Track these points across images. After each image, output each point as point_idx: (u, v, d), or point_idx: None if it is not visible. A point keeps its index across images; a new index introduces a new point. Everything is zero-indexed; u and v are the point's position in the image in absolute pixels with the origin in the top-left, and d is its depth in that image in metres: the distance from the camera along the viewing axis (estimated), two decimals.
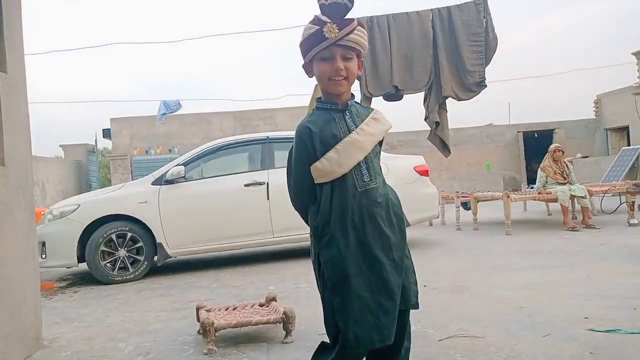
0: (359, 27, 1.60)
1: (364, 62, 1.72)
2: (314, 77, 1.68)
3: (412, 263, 1.70)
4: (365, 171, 1.60)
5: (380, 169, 1.70)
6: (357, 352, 1.54)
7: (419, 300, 1.68)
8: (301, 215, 1.77)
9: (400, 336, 1.64)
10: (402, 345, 1.67)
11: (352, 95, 1.70)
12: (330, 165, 1.59)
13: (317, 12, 1.59)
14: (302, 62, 1.69)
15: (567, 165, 7.25)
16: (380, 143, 1.72)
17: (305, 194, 1.70)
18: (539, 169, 7.30)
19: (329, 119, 1.64)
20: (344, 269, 1.55)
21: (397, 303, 1.57)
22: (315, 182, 1.63)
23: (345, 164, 1.58)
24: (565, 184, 6.94)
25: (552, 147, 7.33)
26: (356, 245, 1.57)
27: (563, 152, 7.27)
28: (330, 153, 1.59)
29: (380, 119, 1.70)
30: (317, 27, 1.57)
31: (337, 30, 1.55)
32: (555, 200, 6.89)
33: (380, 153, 1.72)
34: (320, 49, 1.59)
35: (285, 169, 1.79)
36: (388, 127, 1.71)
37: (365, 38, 1.63)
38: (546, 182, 7.09)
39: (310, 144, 1.64)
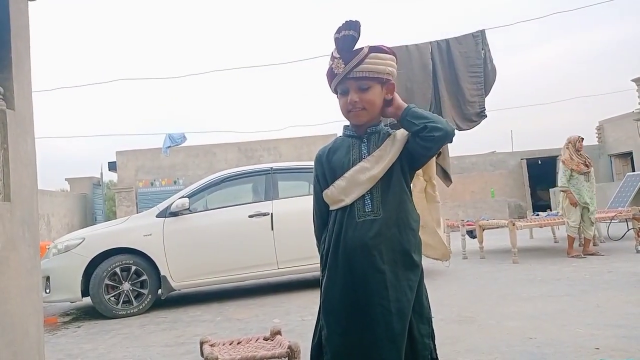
0: (372, 54, 1.56)
1: (395, 85, 1.68)
2: None
3: (427, 313, 1.55)
4: (369, 202, 1.54)
5: (405, 194, 1.58)
6: None
7: (434, 354, 1.57)
8: (317, 245, 1.74)
9: None
10: None
11: (378, 123, 1.66)
12: (339, 194, 1.58)
13: (328, 46, 1.64)
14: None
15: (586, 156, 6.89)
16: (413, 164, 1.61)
17: (318, 221, 1.70)
18: (561, 163, 6.86)
19: (344, 145, 1.65)
20: (331, 307, 1.55)
21: (389, 352, 1.45)
22: (330, 209, 1.63)
23: (351, 193, 1.55)
24: (589, 172, 6.65)
25: (573, 137, 6.88)
26: (345, 279, 1.52)
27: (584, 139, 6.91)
28: (338, 181, 1.58)
29: (399, 134, 1.62)
30: (331, 63, 1.60)
31: (343, 65, 1.56)
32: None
33: (407, 175, 1.60)
34: (335, 84, 1.62)
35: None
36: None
37: (385, 62, 1.59)
38: (571, 175, 6.64)
39: (320, 169, 1.66)
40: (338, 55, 1.57)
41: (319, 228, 1.70)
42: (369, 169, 1.55)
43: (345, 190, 1.56)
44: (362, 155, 1.59)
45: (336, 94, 1.66)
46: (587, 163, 6.78)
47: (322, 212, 1.67)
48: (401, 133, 1.63)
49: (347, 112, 1.61)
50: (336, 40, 1.57)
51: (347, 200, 1.56)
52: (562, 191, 6.81)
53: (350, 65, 1.55)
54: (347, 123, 1.70)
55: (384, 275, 1.49)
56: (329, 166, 1.63)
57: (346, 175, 1.57)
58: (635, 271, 5.11)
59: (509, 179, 17.83)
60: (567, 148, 6.84)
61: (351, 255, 1.52)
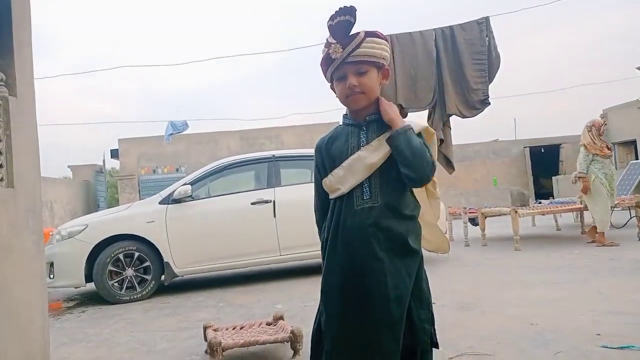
0: (368, 39, 1.55)
1: (389, 70, 1.66)
2: None
3: (426, 298, 1.56)
4: (367, 189, 1.54)
5: (404, 183, 1.56)
6: None
7: (434, 338, 1.58)
8: (318, 233, 1.74)
9: None
10: None
11: (376, 111, 1.63)
12: (336, 182, 1.58)
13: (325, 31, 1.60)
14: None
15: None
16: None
17: (319, 209, 1.71)
18: (581, 147, 6.48)
19: (343, 133, 1.64)
20: (331, 294, 1.55)
21: (387, 337, 1.46)
22: (330, 197, 1.63)
23: (348, 182, 1.55)
24: (611, 156, 6.45)
25: (596, 120, 6.56)
26: (344, 266, 1.53)
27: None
28: (336, 170, 1.58)
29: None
30: (326, 49, 1.57)
31: (340, 50, 1.54)
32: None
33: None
34: (332, 70, 1.59)
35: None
36: (415, 129, 1.60)
37: (381, 47, 1.58)
38: (592, 160, 6.32)
39: (319, 158, 1.67)
40: (334, 41, 1.55)
41: (320, 217, 1.71)
42: (366, 158, 1.54)
43: (343, 179, 1.56)
44: (361, 143, 1.58)
45: (331, 82, 1.64)
46: (609, 147, 6.53)
47: (322, 201, 1.68)
48: (409, 122, 1.63)
49: (345, 98, 1.59)
50: (330, 27, 1.56)
51: (344, 189, 1.55)
52: (579, 177, 6.45)
53: (349, 50, 1.54)
54: (346, 112, 1.68)
55: (382, 262, 1.49)
56: (328, 155, 1.63)
57: (344, 164, 1.57)
58: (638, 258, 5.12)
59: (512, 167, 17.81)
60: (590, 132, 6.48)
61: (350, 243, 1.52)
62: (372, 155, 1.55)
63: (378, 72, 1.60)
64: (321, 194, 1.68)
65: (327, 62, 1.59)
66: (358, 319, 1.50)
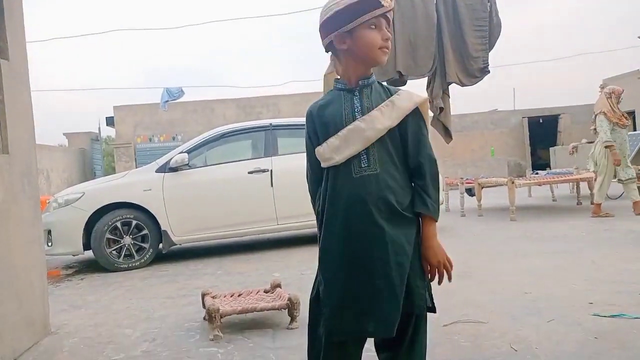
0: None
1: None
2: (343, 49, 1.54)
3: (421, 266, 1.56)
4: (364, 157, 1.51)
5: (401, 153, 1.55)
6: (332, 340, 1.53)
7: (429, 303, 1.58)
8: (312, 202, 1.69)
9: (407, 338, 1.55)
10: (406, 347, 1.56)
11: (370, 75, 1.57)
12: (330, 152, 1.54)
13: None
14: (334, 31, 1.53)
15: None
16: (416, 117, 1.56)
17: (312, 178, 1.67)
18: (599, 116, 6.18)
19: (335, 99, 1.58)
20: (330, 262, 1.54)
21: (388, 303, 1.47)
22: (322, 166, 1.58)
23: (343, 152, 1.51)
24: (627, 126, 6.24)
25: (616, 88, 6.30)
26: (344, 235, 1.51)
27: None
28: (331, 139, 1.53)
29: (398, 101, 1.54)
30: None
31: (390, 0, 1.50)
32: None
33: (409, 132, 1.55)
34: (372, 16, 1.49)
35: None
36: (411, 106, 1.54)
37: None
38: (612, 129, 6.11)
39: (310, 126, 1.62)
40: None
41: (313, 185, 1.67)
42: (365, 130, 1.50)
43: (338, 149, 1.52)
44: (354, 109, 1.54)
45: (350, 31, 1.51)
46: (626, 116, 6.31)
47: (315, 169, 1.63)
48: (403, 101, 1.55)
49: (377, 48, 1.51)
50: None
51: (338, 159, 1.52)
52: (606, 147, 6.07)
53: (393, 4, 1.52)
54: (340, 77, 1.62)
55: (383, 229, 1.48)
56: (320, 121, 1.58)
57: (340, 133, 1.52)
58: (632, 229, 5.17)
59: (510, 138, 17.76)
60: (609, 99, 6.22)
61: (349, 211, 1.50)
62: (370, 127, 1.51)
63: None
64: (313, 163, 1.63)
65: (368, 6, 1.48)
66: (358, 286, 1.50)
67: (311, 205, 1.70)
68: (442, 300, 2.94)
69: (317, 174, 1.63)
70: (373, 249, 1.49)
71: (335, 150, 1.53)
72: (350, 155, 1.51)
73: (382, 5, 1.48)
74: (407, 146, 1.55)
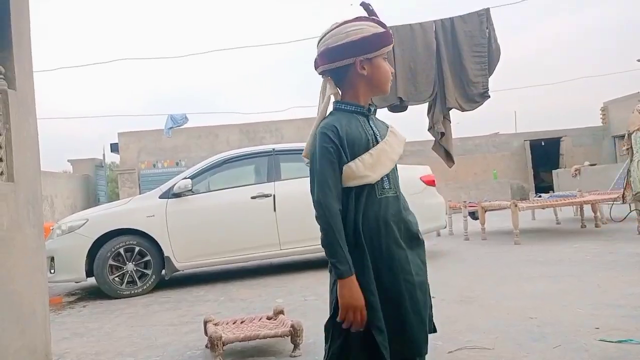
0: None
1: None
2: (362, 74, 1.58)
3: (428, 286, 1.61)
4: (386, 179, 1.56)
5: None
6: None
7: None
8: (326, 224, 1.48)
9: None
10: None
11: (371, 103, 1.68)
12: (365, 169, 1.51)
13: (336, 17, 1.63)
14: (354, 56, 1.56)
15: None
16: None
17: (333, 195, 1.50)
18: (636, 132, 5.93)
19: (351, 119, 1.58)
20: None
21: (416, 324, 1.50)
22: (344, 185, 1.52)
23: (378, 170, 1.54)
24: None
25: None
26: (369, 257, 1.50)
27: None
28: (365, 156, 1.52)
29: (397, 133, 1.67)
30: (384, 30, 1.59)
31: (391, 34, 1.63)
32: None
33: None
34: (389, 49, 1.61)
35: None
36: (403, 141, 1.68)
37: None
38: None
39: (337, 139, 1.52)
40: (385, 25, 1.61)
41: (336, 203, 1.50)
42: (390, 153, 1.58)
43: (373, 167, 1.53)
44: (375, 133, 1.59)
45: (370, 59, 1.57)
46: None
47: (337, 186, 1.51)
48: (399, 134, 1.66)
49: (386, 80, 1.63)
50: (372, 12, 1.60)
51: (374, 176, 1.52)
52: None
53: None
54: (345, 99, 1.66)
55: (405, 251, 1.53)
56: (347, 139, 1.53)
57: (372, 152, 1.54)
58: (637, 252, 5.12)
59: (512, 161, 17.80)
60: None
61: (374, 232, 1.51)
62: (392, 150, 1.59)
63: None
64: (337, 177, 1.52)
65: (385, 40, 1.59)
66: (386, 310, 1.49)
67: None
68: (446, 326, 2.92)
69: (338, 192, 1.52)
70: (398, 270, 1.51)
71: (371, 168, 1.53)
72: (385, 173, 1.55)
73: (391, 42, 1.61)
74: None
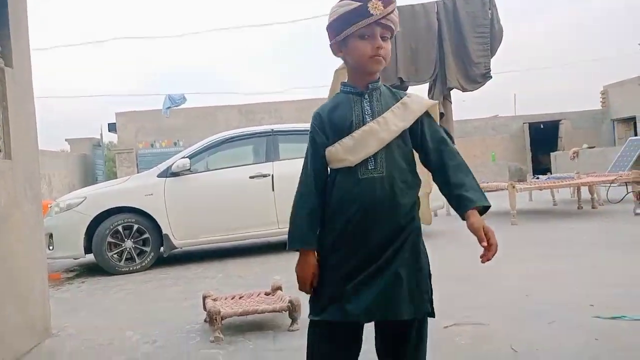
0: (396, 6, 1.54)
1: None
2: (341, 57, 1.59)
3: (425, 269, 1.60)
4: (372, 159, 1.51)
5: (409, 156, 1.58)
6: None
7: (430, 309, 1.59)
8: (294, 202, 1.59)
9: (411, 344, 1.57)
10: (410, 353, 1.58)
11: (378, 79, 1.59)
12: (344, 153, 1.52)
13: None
14: (331, 40, 1.57)
15: None
16: (430, 119, 1.60)
17: (312, 175, 1.57)
18: None
19: (344, 102, 1.57)
20: (347, 268, 1.52)
21: (404, 307, 1.51)
22: (330, 166, 1.56)
23: (358, 153, 1.50)
24: None
25: None
26: (354, 237, 1.50)
27: None
28: (345, 139, 1.52)
29: (410, 103, 1.57)
30: (360, 3, 1.49)
31: (382, 7, 1.48)
32: None
33: (423, 132, 1.57)
34: (361, 25, 1.50)
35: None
36: (423, 108, 1.57)
37: (398, 18, 1.57)
38: None
39: (318, 122, 1.58)
40: None
41: (312, 183, 1.57)
42: (379, 132, 1.51)
43: (353, 150, 1.51)
44: (364, 111, 1.54)
45: (340, 43, 1.55)
46: None
47: (318, 168, 1.58)
48: (414, 103, 1.57)
49: (368, 58, 1.52)
50: None
51: (353, 160, 1.51)
52: None
53: (388, 10, 1.50)
54: (347, 80, 1.64)
55: (391, 231, 1.50)
56: (330, 123, 1.56)
57: (354, 134, 1.52)
58: (633, 233, 5.16)
59: (511, 143, 17.79)
60: None
61: (356, 214, 1.50)
62: (384, 129, 1.52)
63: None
64: (318, 163, 1.57)
65: (357, 16, 1.49)
66: (371, 291, 1.49)
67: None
68: (444, 302, 2.94)
69: (320, 172, 1.58)
70: (386, 249, 1.50)
71: (350, 151, 1.52)
72: (367, 156, 1.51)
73: (372, 15, 1.49)
74: (425, 147, 1.58)
